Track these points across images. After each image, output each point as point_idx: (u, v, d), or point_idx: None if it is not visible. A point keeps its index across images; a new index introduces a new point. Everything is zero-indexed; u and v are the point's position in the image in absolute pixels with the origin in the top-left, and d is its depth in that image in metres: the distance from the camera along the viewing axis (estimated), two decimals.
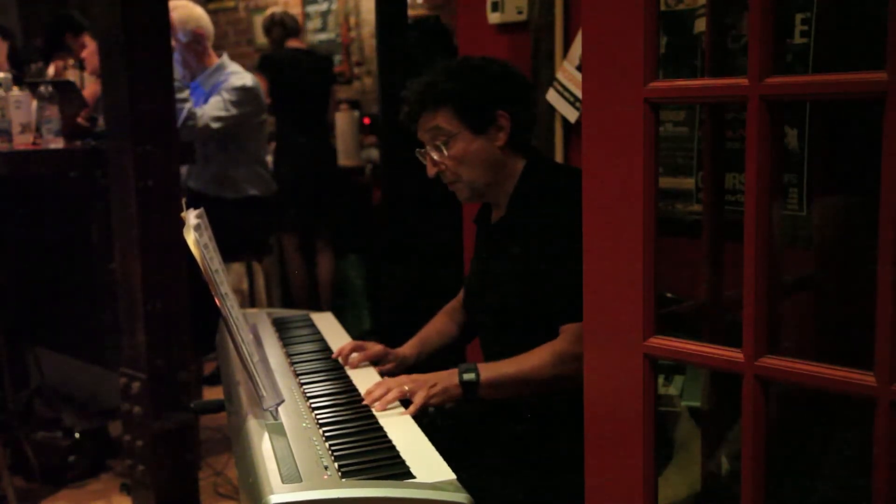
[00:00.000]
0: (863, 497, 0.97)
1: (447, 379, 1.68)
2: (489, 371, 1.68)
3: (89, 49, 3.72)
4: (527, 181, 1.81)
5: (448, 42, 4.17)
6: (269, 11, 5.41)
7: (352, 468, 1.32)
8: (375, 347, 1.90)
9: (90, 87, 3.58)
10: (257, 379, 1.50)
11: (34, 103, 3.02)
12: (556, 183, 1.80)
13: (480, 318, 1.94)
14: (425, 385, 1.67)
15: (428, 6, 5.51)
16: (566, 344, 1.67)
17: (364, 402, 1.63)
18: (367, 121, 5.39)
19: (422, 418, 1.62)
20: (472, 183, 1.80)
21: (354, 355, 1.88)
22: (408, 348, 1.98)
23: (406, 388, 1.65)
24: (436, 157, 1.79)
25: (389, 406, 1.62)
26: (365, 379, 1.77)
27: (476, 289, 1.95)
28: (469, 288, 2.01)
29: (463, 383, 1.66)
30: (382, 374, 1.84)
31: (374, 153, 5.10)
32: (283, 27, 4.95)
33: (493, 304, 1.85)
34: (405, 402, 1.65)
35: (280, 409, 1.53)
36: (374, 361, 1.91)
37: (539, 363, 1.68)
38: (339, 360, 1.89)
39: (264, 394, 1.51)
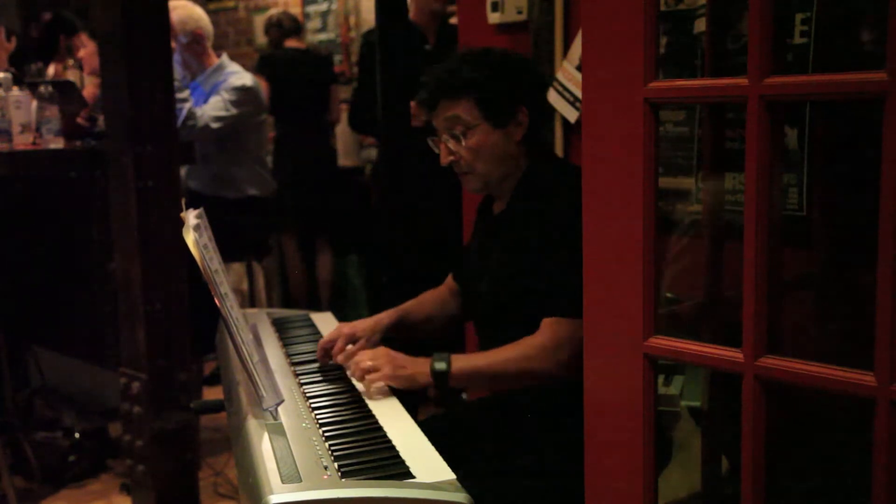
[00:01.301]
0: (863, 497, 0.97)
1: (418, 366, 1.69)
2: (461, 361, 1.68)
3: (88, 49, 3.71)
4: (531, 176, 1.81)
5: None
6: (268, 13, 5.41)
7: (351, 468, 1.32)
8: (342, 334, 1.87)
9: (90, 87, 3.58)
10: (257, 379, 1.50)
11: (34, 103, 3.02)
12: (559, 179, 1.80)
13: (475, 306, 1.95)
14: (393, 364, 1.68)
15: None
16: (542, 338, 1.67)
17: (356, 393, 1.67)
18: None
19: (420, 418, 1.62)
20: (485, 175, 1.79)
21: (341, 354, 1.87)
22: (385, 314, 1.97)
23: (373, 363, 1.69)
24: (452, 146, 1.78)
25: (382, 396, 1.65)
26: None
27: (473, 277, 1.94)
28: (465, 276, 2.00)
29: (434, 372, 1.66)
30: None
31: (373, 153, 5.09)
32: (279, 28, 4.95)
33: (488, 293, 1.85)
34: (404, 400, 1.65)
35: (280, 409, 1.53)
36: (354, 342, 1.89)
37: (511, 356, 1.67)
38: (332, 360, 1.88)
39: (264, 394, 1.51)
